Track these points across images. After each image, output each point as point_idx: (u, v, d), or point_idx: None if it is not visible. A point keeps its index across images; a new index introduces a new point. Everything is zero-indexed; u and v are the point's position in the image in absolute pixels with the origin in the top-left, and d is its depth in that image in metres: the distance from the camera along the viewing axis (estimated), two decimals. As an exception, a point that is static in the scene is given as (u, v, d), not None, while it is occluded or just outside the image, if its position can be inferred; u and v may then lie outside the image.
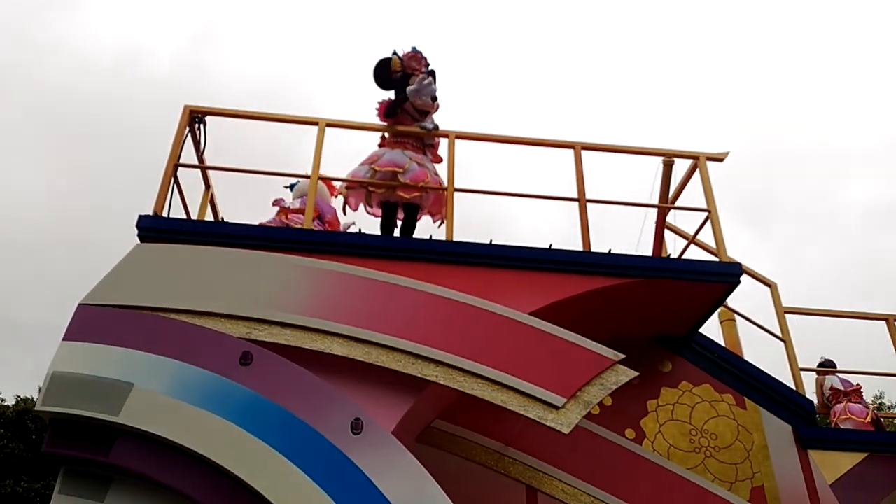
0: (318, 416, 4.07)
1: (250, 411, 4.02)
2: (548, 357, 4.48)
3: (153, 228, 4.82)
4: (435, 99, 5.95)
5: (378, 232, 5.76)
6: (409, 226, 5.91)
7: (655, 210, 6.06)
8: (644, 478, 5.20)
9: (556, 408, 4.30)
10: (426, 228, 6.31)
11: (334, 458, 3.94)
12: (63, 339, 4.15)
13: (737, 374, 5.81)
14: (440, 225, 5.98)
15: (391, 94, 5.93)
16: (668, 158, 5.71)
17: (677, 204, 6.03)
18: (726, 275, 5.23)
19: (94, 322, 4.22)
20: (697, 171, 5.79)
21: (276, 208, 6.07)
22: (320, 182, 5.96)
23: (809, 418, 5.67)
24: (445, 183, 5.48)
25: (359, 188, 5.81)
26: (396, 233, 5.90)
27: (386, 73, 5.99)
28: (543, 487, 5.14)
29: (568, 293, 5.01)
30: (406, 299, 4.59)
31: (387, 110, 5.85)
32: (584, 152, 5.70)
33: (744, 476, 5.40)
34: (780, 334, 6.13)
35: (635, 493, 5.11)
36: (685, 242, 6.35)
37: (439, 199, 5.85)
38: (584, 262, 5.11)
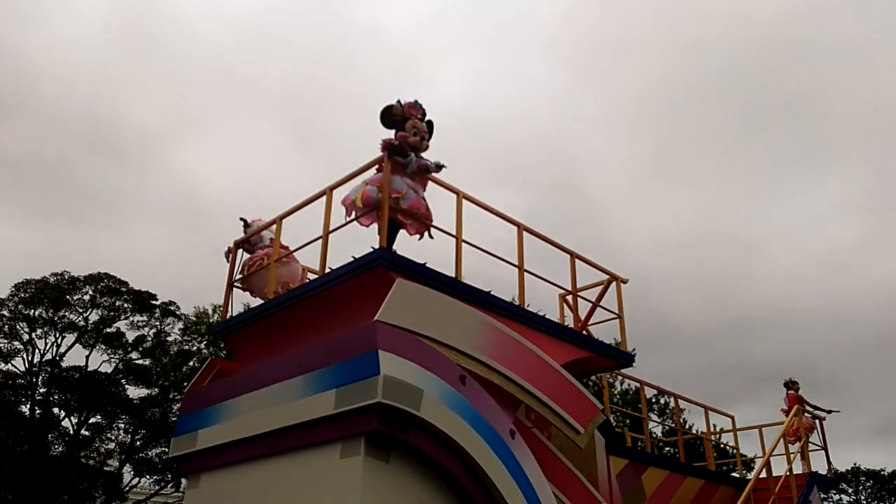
0: (496, 424, 6.63)
1: (471, 418, 6.38)
2: (573, 397, 7.76)
3: (395, 263, 6.55)
4: (426, 169, 7.38)
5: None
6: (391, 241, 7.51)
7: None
8: (551, 463, 8.77)
9: (578, 432, 7.65)
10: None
11: (508, 454, 6.61)
12: (379, 349, 5.84)
13: (588, 405, 9.78)
14: (420, 238, 7.54)
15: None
16: (610, 277, 9.37)
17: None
18: (629, 360, 9.16)
19: (392, 338, 5.99)
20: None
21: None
22: None
23: (611, 436, 9.98)
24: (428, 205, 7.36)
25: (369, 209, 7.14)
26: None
27: (388, 116, 7.50)
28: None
29: (572, 357, 8.28)
30: (518, 349, 7.32)
31: (389, 148, 7.28)
32: (562, 256, 8.98)
33: (586, 467, 9.39)
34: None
35: (547, 471, 8.66)
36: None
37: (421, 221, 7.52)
38: (584, 340, 8.46)
